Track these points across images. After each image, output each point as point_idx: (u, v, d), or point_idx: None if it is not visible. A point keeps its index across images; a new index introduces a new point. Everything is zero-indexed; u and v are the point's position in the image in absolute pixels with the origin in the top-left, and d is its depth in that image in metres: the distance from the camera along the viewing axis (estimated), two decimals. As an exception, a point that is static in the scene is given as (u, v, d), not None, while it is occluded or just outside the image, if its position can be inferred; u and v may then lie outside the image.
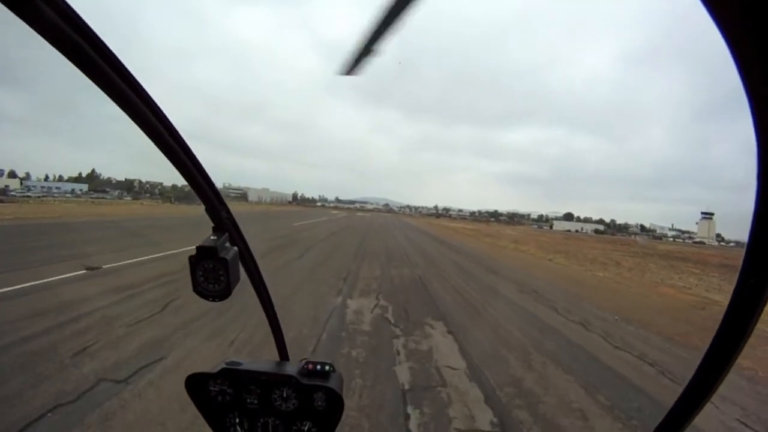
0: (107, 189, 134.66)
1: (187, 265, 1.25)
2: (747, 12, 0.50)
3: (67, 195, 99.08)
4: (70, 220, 28.36)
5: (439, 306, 10.43)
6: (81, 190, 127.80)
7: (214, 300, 1.27)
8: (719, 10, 0.51)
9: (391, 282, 13.41)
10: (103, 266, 11.75)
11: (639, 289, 17.35)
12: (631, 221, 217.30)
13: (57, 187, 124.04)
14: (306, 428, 1.70)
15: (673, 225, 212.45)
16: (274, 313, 1.80)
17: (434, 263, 19.61)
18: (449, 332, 8.24)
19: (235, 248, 1.32)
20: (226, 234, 1.31)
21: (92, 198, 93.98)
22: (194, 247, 1.24)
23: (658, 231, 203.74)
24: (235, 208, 1.33)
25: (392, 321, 8.71)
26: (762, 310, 0.76)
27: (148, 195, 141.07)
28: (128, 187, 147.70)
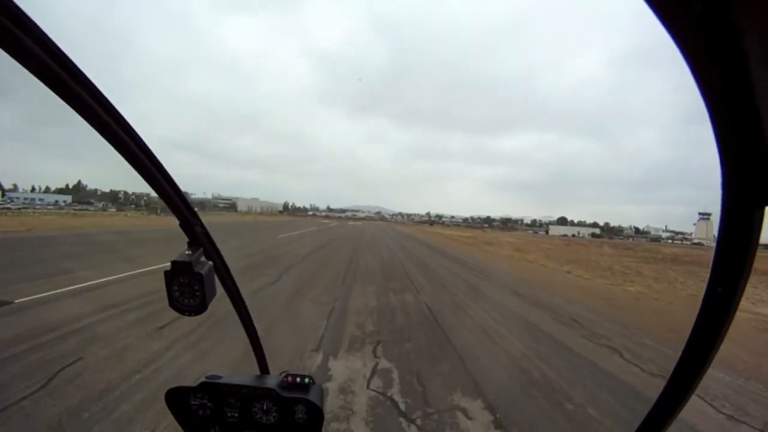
0: (92, 201, 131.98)
1: (146, 297, 1.51)
2: (699, 25, 0.50)
3: (50, 207, 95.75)
4: (33, 234, 25.33)
5: (466, 362, 7.12)
6: (65, 201, 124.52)
7: (190, 314, 1.27)
8: (672, 24, 0.52)
9: (392, 318, 10.08)
10: (16, 300, 8.74)
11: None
12: (625, 223, 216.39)
13: (41, 199, 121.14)
14: None
15: (666, 226, 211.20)
16: (253, 327, 1.82)
17: (440, 283, 16.33)
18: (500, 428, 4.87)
19: (211, 263, 1.32)
20: (201, 248, 1.31)
21: (75, 210, 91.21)
22: (157, 267, 0.82)
23: (652, 233, 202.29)
24: (220, 218, 0.89)
25: (402, 408, 5.28)
26: (732, 319, 0.78)
27: (133, 206, 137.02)
28: (113, 198, 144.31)
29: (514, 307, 12.33)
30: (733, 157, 0.63)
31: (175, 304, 1.27)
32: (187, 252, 1.27)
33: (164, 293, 1.26)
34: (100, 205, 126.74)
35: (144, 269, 13.38)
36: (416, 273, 18.71)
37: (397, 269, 19.53)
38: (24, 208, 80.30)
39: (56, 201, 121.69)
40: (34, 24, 0.70)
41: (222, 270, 1.48)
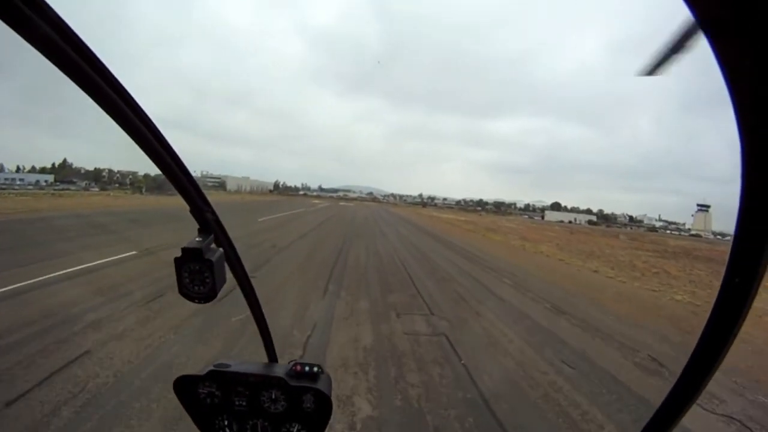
0: (74, 180, 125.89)
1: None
2: (731, 12, 0.51)
3: (29, 187, 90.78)
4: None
5: None
6: (46, 181, 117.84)
7: (199, 302, 1.28)
8: (701, 9, 0.53)
9: (400, 379, 6.03)
10: None
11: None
12: (618, 211, 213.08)
13: (21, 179, 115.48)
14: (295, 430, 1.71)
15: (660, 216, 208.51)
16: (262, 315, 1.81)
17: (457, 294, 12.30)
18: None
19: (221, 250, 1.33)
20: (212, 235, 1.30)
21: (56, 190, 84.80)
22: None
23: (645, 221, 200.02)
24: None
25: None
26: (748, 311, 0.76)
27: (117, 185, 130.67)
28: (96, 177, 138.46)
29: (566, 338, 8.60)
30: (755, 142, 0.61)
31: (185, 291, 1.27)
32: (197, 239, 1.26)
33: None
34: (83, 184, 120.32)
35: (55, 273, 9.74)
36: (421, 274, 14.69)
37: (398, 270, 15.45)
38: (0, 188, 75.77)
39: (37, 181, 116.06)
40: None
41: (232, 257, 1.47)
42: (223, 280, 1.31)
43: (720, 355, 0.82)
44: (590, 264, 24.10)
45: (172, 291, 9.67)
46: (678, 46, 0.76)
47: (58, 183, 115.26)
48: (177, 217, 28.14)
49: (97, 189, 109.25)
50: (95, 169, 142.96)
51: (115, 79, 0.85)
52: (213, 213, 1.31)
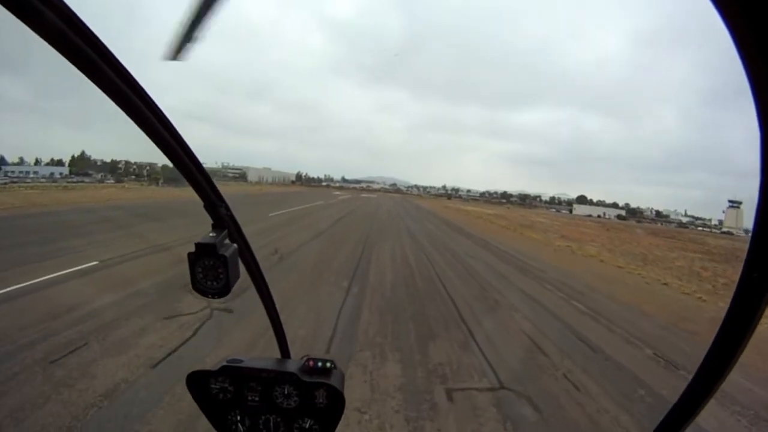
0: (90, 172, 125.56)
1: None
2: (750, 10, 0.52)
3: (42, 180, 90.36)
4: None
5: None
6: (61, 173, 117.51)
7: (213, 297, 1.28)
8: (725, 8, 0.54)
9: None
10: None
11: None
12: (642, 204, 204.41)
13: (35, 172, 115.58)
14: (307, 425, 1.71)
15: (686, 211, 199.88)
16: (276, 311, 1.87)
17: (523, 332, 9.06)
18: None
19: (235, 245, 1.33)
20: (226, 231, 1.31)
21: (70, 182, 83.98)
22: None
23: (671, 216, 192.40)
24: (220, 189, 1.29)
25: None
26: (766, 306, 0.75)
27: (133, 177, 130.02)
28: (112, 169, 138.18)
29: None
30: None
31: (199, 286, 1.27)
32: (211, 234, 1.27)
33: None
34: (98, 176, 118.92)
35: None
36: (468, 296, 11.39)
37: (435, 291, 12.14)
38: (12, 182, 74.82)
39: (51, 173, 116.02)
40: None
41: (246, 253, 1.47)
42: (237, 276, 1.30)
43: (738, 350, 0.81)
44: (652, 272, 20.83)
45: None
46: (189, 35, 0.87)
47: (73, 175, 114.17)
48: (179, 212, 25.43)
49: (112, 181, 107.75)
50: (111, 161, 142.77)
51: (128, 74, 0.84)
52: (227, 208, 1.32)
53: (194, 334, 7.13)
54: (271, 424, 1.70)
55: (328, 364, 1.70)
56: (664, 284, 17.74)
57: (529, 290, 12.93)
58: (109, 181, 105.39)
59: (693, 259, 30.64)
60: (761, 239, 0.70)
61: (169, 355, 6.27)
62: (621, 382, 6.76)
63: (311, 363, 1.69)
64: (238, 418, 1.70)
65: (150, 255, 12.74)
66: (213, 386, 1.68)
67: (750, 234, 0.73)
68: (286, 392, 1.67)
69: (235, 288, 1.31)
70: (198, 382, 1.69)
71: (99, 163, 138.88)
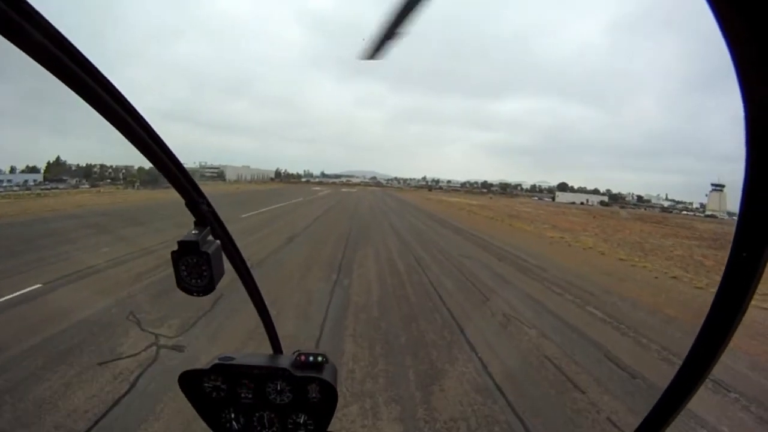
0: (64, 178, 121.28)
1: None
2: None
3: (15, 188, 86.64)
4: None
5: None
6: (35, 180, 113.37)
7: (198, 295, 1.27)
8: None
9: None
10: None
11: None
12: (623, 190, 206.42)
13: (8, 180, 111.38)
14: (301, 421, 1.70)
15: (667, 195, 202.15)
16: (265, 306, 1.80)
17: (543, 353, 7.11)
18: None
19: (218, 242, 1.31)
20: (208, 228, 1.29)
21: (43, 189, 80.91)
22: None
23: (653, 201, 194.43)
24: (176, 194, 1.27)
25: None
26: (757, 285, 0.76)
27: (109, 181, 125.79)
28: (86, 173, 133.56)
29: None
30: (759, 117, 0.61)
31: (183, 284, 1.25)
32: (193, 231, 1.25)
33: None
34: (73, 181, 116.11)
35: None
36: (465, 303, 9.51)
37: (428, 297, 10.25)
38: None
39: (25, 181, 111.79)
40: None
41: (230, 249, 1.46)
42: (222, 272, 1.28)
43: (729, 331, 0.81)
44: (656, 264, 19.49)
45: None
46: (391, 31, 0.82)
47: (47, 182, 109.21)
48: (146, 217, 23.20)
49: (87, 186, 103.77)
50: (86, 165, 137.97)
51: (104, 77, 0.84)
52: (209, 205, 1.31)
53: (130, 389, 5.20)
54: (265, 420, 1.70)
55: (320, 359, 1.69)
56: (674, 278, 16.24)
57: (538, 295, 11.10)
58: (83, 186, 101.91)
59: (690, 247, 29.52)
60: (748, 219, 0.70)
61: None
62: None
63: (303, 358, 1.68)
64: (232, 415, 1.70)
65: (103, 272, 10.77)
66: (206, 385, 1.67)
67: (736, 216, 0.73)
68: (278, 388, 1.66)
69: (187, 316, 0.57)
70: (190, 382, 1.67)
71: (74, 168, 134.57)
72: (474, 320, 8.71)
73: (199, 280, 1.23)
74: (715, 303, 0.80)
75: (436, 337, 7.62)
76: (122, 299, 8.61)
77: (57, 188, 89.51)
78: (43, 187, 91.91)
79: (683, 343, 7.91)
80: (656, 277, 16.00)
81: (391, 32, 0.86)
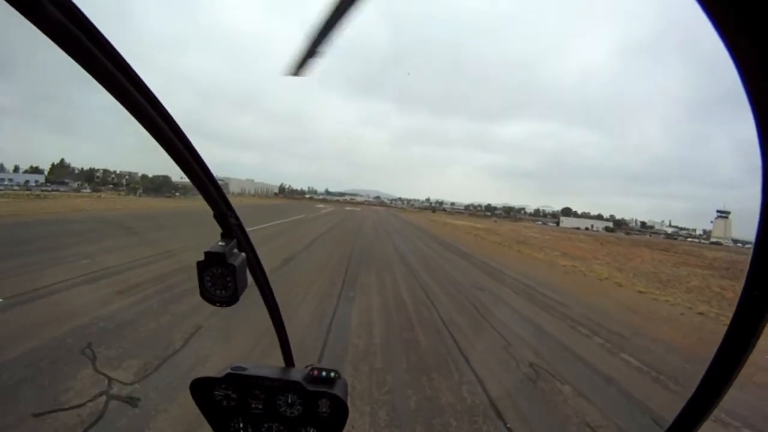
0: (67, 180, 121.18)
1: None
2: (743, 12, 0.51)
3: (15, 188, 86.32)
4: None
5: None
6: (36, 181, 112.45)
7: (221, 305, 1.26)
8: (716, 12, 0.52)
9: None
10: None
11: None
12: (626, 216, 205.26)
13: (10, 179, 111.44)
14: None
15: (670, 221, 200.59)
16: (281, 320, 1.84)
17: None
18: None
19: (243, 254, 1.31)
20: (235, 240, 1.30)
21: (44, 191, 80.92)
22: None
23: (656, 227, 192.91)
24: (185, 204, 1.95)
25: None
26: (766, 324, 0.74)
27: (111, 186, 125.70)
28: (89, 177, 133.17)
29: None
30: None
31: (207, 294, 1.24)
32: (220, 243, 1.25)
33: None
34: (75, 185, 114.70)
35: None
36: (479, 346, 8.28)
37: (438, 337, 9.08)
38: None
39: (26, 181, 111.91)
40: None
41: (254, 262, 1.46)
42: (245, 285, 1.28)
43: (737, 368, 0.79)
44: (677, 297, 18.50)
45: None
46: (313, 50, 0.88)
47: (48, 183, 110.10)
48: (141, 226, 22.09)
49: (89, 190, 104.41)
50: (89, 169, 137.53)
51: (144, 84, 0.83)
52: (236, 218, 1.32)
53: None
54: (274, 431, 1.68)
55: (333, 374, 1.68)
56: (700, 314, 15.15)
57: (567, 340, 9.83)
58: (85, 191, 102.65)
59: (704, 277, 28.43)
60: (762, 257, 0.67)
61: None
62: None
63: (315, 372, 1.67)
64: (241, 425, 1.68)
65: (74, 288, 9.70)
66: (217, 393, 1.65)
67: (749, 244, 0.70)
68: (289, 401, 1.64)
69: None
70: (202, 389, 1.66)
71: (77, 172, 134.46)
72: (498, 376, 7.43)
73: (223, 291, 1.23)
74: (726, 339, 0.79)
75: (455, 399, 6.32)
76: (87, 324, 7.47)
77: (58, 190, 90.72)
78: (43, 188, 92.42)
79: (735, 395, 6.72)
80: (682, 314, 14.87)
81: (312, 50, 0.87)
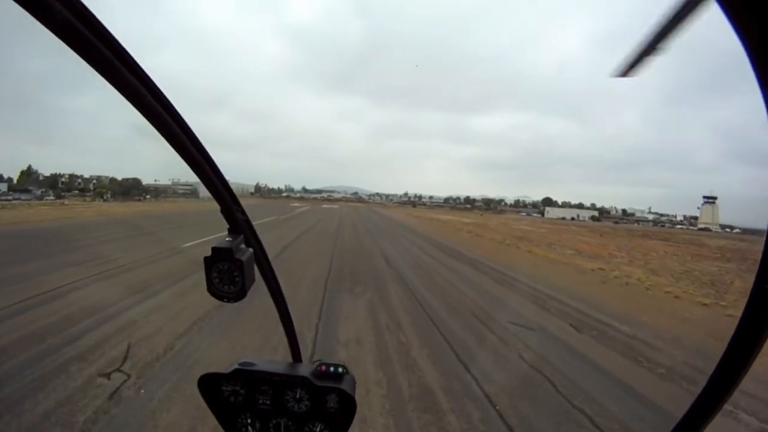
0: (30, 188, 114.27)
1: None
2: None
3: None
4: None
5: None
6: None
7: (228, 301, 1.24)
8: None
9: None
10: None
11: None
12: (606, 204, 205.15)
13: None
14: (318, 429, 1.67)
15: (650, 208, 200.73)
16: (288, 315, 1.79)
17: None
18: None
19: (251, 250, 1.30)
20: (242, 235, 1.28)
21: (5, 200, 76.47)
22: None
23: (637, 215, 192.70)
24: (152, 207, 2.43)
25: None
26: None
27: (77, 192, 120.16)
28: (52, 183, 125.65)
29: None
30: None
31: (214, 290, 1.23)
32: (227, 238, 1.24)
33: None
34: (39, 192, 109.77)
35: None
36: None
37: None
38: None
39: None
40: None
41: (261, 257, 1.43)
42: (252, 280, 1.26)
43: (748, 362, 0.78)
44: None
45: None
46: (651, 47, 0.78)
47: (11, 192, 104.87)
48: (82, 242, 16.77)
49: (52, 197, 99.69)
50: (51, 175, 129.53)
51: (155, 86, 0.83)
52: (243, 213, 1.29)
53: None
54: (282, 427, 1.66)
55: (341, 369, 1.66)
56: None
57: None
58: (48, 198, 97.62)
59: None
60: None
61: None
62: None
63: (323, 368, 1.65)
64: (249, 420, 1.66)
65: None
66: (225, 389, 1.64)
67: (737, 229, 0.93)
68: (297, 396, 1.64)
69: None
70: (209, 385, 1.65)
71: (41, 179, 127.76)
72: None
73: (230, 287, 1.21)
74: (736, 333, 0.77)
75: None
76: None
77: (19, 199, 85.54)
78: (4, 198, 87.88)
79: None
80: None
81: (651, 48, 0.81)
